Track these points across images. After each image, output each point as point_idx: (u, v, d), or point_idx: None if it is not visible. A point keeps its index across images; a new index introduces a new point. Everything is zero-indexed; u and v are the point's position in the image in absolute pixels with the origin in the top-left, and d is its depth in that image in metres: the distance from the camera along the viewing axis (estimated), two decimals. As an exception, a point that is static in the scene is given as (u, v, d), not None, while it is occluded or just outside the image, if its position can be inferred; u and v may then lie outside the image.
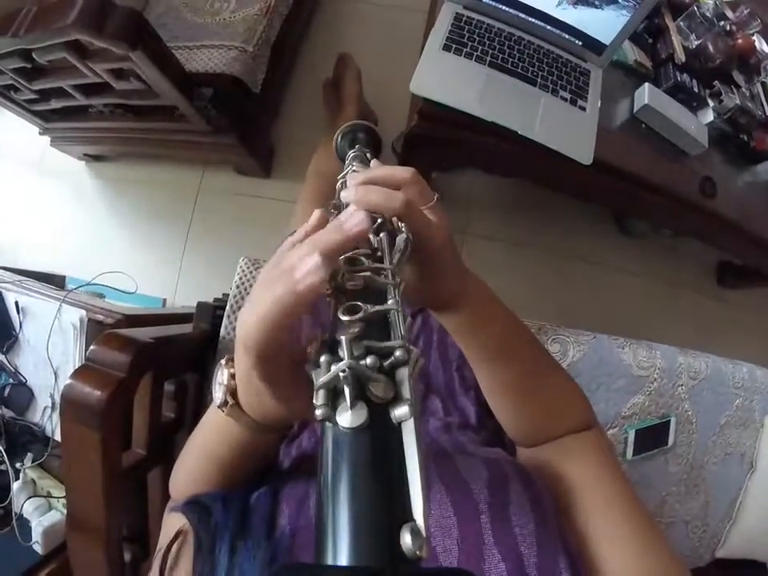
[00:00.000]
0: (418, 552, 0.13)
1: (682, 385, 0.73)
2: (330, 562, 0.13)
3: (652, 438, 0.71)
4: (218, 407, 0.27)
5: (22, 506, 0.66)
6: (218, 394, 0.27)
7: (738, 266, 1.25)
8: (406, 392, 0.16)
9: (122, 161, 1.25)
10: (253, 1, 0.96)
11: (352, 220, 0.20)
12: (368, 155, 0.36)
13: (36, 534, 0.65)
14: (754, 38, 0.91)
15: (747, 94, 0.86)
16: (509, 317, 0.35)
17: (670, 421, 0.72)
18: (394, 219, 0.25)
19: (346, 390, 0.16)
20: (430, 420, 0.47)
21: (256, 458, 0.32)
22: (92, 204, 1.25)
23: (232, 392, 0.26)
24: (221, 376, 0.27)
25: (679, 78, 0.82)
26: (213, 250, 1.18)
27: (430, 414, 0.49)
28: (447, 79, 0.70)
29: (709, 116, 0.83)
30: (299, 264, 0.19)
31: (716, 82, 0.86)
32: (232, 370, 0.26)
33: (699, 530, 0.76)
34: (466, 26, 0.73)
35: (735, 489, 0.77)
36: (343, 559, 0.13)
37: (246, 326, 0.20)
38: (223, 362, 0.27)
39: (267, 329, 0.19)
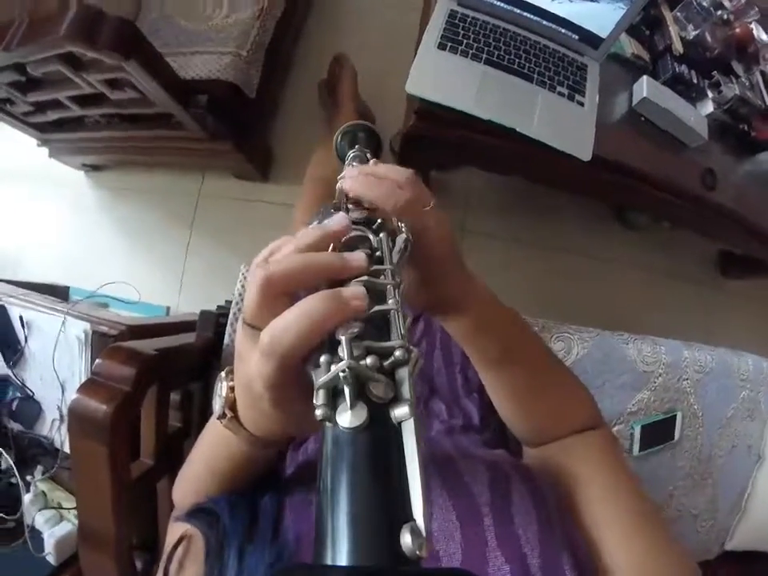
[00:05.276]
0: (418, 552, 0.13)
1: (687, 379, 0.73)
2: (329, 562, 0.13)
3: (658, 433, 0.71)
4: (217, 419, 0.27)
5: (34, 517, 0.67)
6: (217, 406, 0.27)
7: (740, 257, 1.24)
8: (406, 392, 0.16)
9: (120, 170, 1.25)
10: (245, 5, 0.96)
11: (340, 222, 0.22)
12: (368, 155, 0.36)
13: (48, 546, 0.65)
14: (752, 26, 0.90)
15: (746, 84, 0.85)
16: (512, 319, 0.35)
17: (675, 415, 0.71)
18: (394, 219, 0.24)
19: (346, 390, 0.16)
20: (434, 423, 0.47)
21: (253, 471, 0.32)
22: (93, 214, 1.25)
23: (231, 405, 0.26)
24: (220, 388, 0.27)
25: (677, 70, 0.81)
26: (215, 256, 1.18)
27: (434, 417, 0.49)
28: (443, 78, 0.70)
29: (708, 107, 0.82)
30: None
31: (715, 72, 0.85)
32: (231, 383, 0.26)
33: (708, 523, 0.75)
34: (461, 24, 0.73)
35: (743, 481, 0.77)
36: (343, 559, 0.13)
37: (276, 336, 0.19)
38: (223, 374, 0.27)
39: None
